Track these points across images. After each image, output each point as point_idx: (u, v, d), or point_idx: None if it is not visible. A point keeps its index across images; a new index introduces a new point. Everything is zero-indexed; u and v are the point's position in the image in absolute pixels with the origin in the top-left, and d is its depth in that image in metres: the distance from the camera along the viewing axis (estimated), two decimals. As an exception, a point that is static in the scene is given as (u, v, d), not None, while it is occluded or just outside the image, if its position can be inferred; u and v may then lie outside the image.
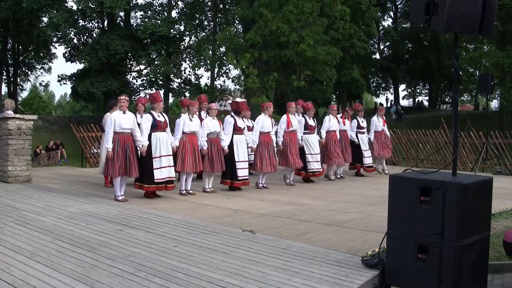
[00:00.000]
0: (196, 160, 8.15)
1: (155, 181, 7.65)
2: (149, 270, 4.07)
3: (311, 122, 10.06)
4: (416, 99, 47.06)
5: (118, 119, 7.48)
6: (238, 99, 9.83)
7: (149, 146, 7.65)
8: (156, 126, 7.72)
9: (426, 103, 42.73)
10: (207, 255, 4.58)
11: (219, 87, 28.48)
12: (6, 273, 3.91)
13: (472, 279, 3.75)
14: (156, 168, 7.62)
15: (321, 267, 4.25)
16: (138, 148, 7.60)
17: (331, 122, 10.55)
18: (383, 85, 43.20)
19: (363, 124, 11.43)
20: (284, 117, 9.66)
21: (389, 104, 40.26)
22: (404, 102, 47.95)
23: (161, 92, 28.25)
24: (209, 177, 8.69)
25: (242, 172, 8.77)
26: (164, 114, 7.99)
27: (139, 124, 7.83)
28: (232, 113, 9.01)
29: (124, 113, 7.56)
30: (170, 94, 29.21)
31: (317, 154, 10.05)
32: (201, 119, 8.79)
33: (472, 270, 3.74)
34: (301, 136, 9.84)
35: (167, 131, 7.92)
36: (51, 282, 3.75)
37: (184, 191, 8.29)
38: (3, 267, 4.05)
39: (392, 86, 41.72)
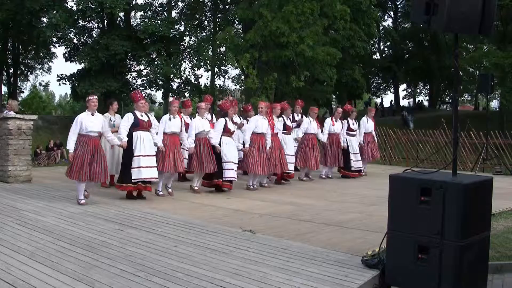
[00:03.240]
0: (177, 160, 7.96)
1: (133, 180, 7.39)
2: (149, 270, 4.07)
3: (289, 122, 10.04)
4: (416, 99, 47.05)
5: (84, 121, 7.09)
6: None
7: (130, 145, 7.41)
8: (138, 125, 7.48)
9: (426, 103, 42.72)
10: (207, 255, 4.58)
11: (219, 87, 28.50)
12: (6, 273, 3.91)
13: (472, 279, 3.75)
14: (134, 168, 7.36)
15: (321, 267, 4.25)
16: (116, 145, 7.50)
17: (311, 125, 10.41)
18: (383, 85, 43.18)
19: (354, 126, 11.22)
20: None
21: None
22: (404, 102, 47.93)
23: (160, 92, 28.36)
24: (198, 177, 8.57)
25: (229, 172, 8.53)
26: (148, 114, 7.76)
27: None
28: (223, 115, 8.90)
29: (92, 114, 7.20)
30: (170, 94, 29.22)
31: (292, 155, 10.00)
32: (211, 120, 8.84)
33: (472, 270, 3.74)
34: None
35: (152, 131, 7.67)
36: (51, 282, 3.75)
37: (161, 192, 8.13)
38: (3, 267, 4.05)
39: (392, 86, 41.71)
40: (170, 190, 8.27)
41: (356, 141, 11.24)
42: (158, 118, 8.39)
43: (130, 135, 7.47)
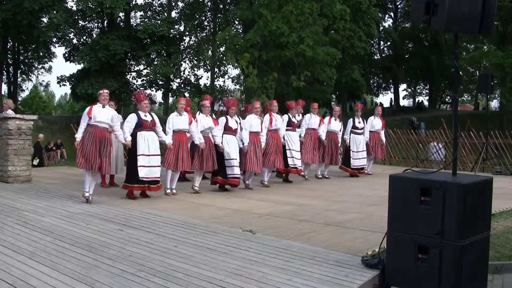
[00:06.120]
0: (179, 159, 7.99)
1: (138, 179, 7.44)
2: (149, 270, 4.07)
3: (294, 120, 10.12)
4: (416, 99, 47.09)
5: (94, 111, 7.29)
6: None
7: (135, 145, 7.50)
8: (141, 125, 7.54)
9: (426, 103, 42.73)
10: (207, 255, 4.58)
11: (219, 87, 28.49)
12: (6, 273, 3.91)
13: (472, 279, 3.75)
14: (138, 166, 7.41)
15: (321, 267, 4.24)
16: (120, 142, 7.60)
17: (312, 120, 10.54)
18: (383, 85, 43.20)
19: (360, 124, 11.22)
20: (267, 116, 9.67)
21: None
22: (404, 102, 48.00)
23: (160, 92, 28.32)
24: (198, 176, 8.60)
25: (232, 170, 8.60)
26: (152, 114, 7.81)
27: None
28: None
29: (103, 107, 7.42)
30: (170, 94, 29.22)
31: (298, 151, 10.08)
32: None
33: (472, 270, 3.74)
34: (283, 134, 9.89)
35: (157, 130, 7.73)
36: (51, 282, 3.75)
37: (169, 191, 8.20)
38: (3, 267, 4.05)
39: (392, 86, 41.73)
40: (174, 191, 8.29)
41: (363, 139, 11.24)
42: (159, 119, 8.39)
43: (134, 135, 7.55)
